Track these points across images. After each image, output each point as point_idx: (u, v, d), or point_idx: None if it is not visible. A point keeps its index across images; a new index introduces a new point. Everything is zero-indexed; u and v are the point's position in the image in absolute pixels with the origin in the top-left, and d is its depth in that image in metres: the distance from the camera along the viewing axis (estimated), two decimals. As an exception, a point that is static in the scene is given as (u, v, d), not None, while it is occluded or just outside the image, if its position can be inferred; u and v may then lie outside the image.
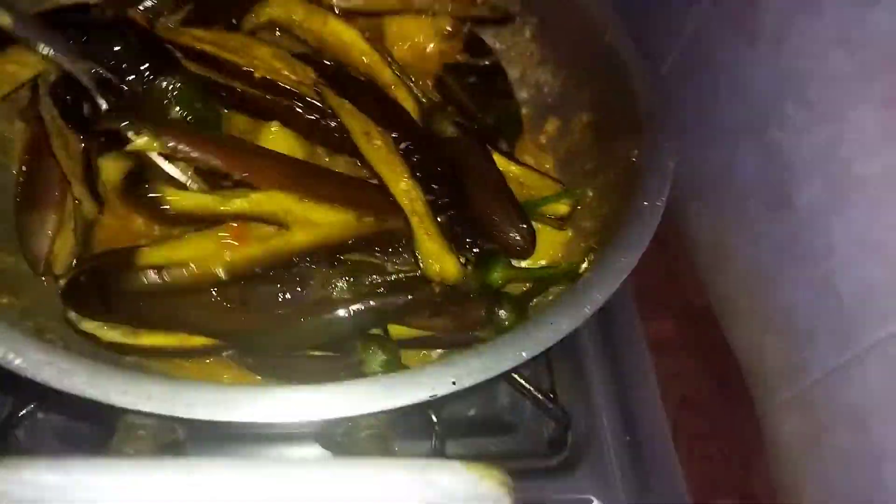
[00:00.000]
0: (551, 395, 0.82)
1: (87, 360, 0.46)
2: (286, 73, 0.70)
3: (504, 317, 0.62)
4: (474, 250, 0.64)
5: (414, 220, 0.62)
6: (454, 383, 0.50)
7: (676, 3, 1.33)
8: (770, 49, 1.11)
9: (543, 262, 0.74)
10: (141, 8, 0.76)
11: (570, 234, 0.77)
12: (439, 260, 0.61)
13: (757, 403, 1.11)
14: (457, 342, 0.67)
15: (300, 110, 0.69)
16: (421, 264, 0.61)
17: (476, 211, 0.69)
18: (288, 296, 0.59)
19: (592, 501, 0.78)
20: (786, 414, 1.06)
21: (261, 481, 0.31)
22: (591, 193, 0.78)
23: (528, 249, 0.69)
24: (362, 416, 0.48)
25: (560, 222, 0.76)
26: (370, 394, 0.48)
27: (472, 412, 0.85)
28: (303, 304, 0.59)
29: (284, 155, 0.65)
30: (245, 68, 0.68)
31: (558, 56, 0.89)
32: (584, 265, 0.59)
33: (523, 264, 0.70)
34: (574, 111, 0.86)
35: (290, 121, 0.69)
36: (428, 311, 0.63)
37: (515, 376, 0.79)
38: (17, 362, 0.45)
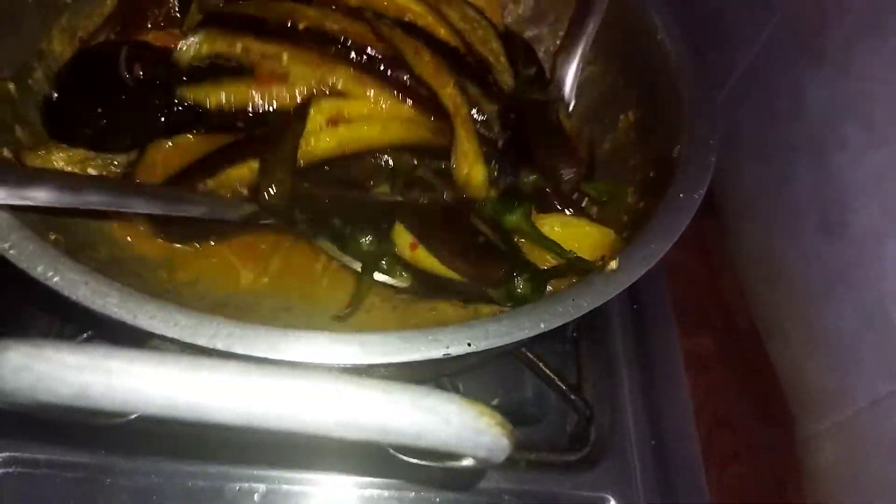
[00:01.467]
0: (577, 389, 0.81)
1: (121, 284, 0.49)
2: (329, 24, 0.71)
3: (519, 285, 0.62)
4: (509, 178, 0.65)
5: (457, 121, 0.63)
6: (469, 344, 0.50)
7: (742, 21, 1.33)
8: (835, 71, 1.09)
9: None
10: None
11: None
12: (470, 163, 0.62)
13: (797, 427, 1.08)
14: (469, 295, 0.66)
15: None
16: (453, 163, 0.62)
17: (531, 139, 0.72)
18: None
19: (609, 500, 0.77)
20: (827, 440, 1.02)
21: (274, 383, 0.33)
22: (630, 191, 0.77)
23: (574, 178, 0.70)
24: (375, 368, 0.49)
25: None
26: (385, 344, 0.49)
27: (495, 401, 0.85)
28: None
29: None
30: (288, 21, 0.70)
31: (609, 54, 0.89)
32: (613, 264, 0.58)
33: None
34: (620, 109, 0.86)
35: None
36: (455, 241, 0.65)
37: (541, 365, 0.79)
38: (55, 279, 0.48)
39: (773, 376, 1.18)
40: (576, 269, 0.63)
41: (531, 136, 0.73)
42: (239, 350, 0.47)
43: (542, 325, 0.53)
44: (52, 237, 0.65)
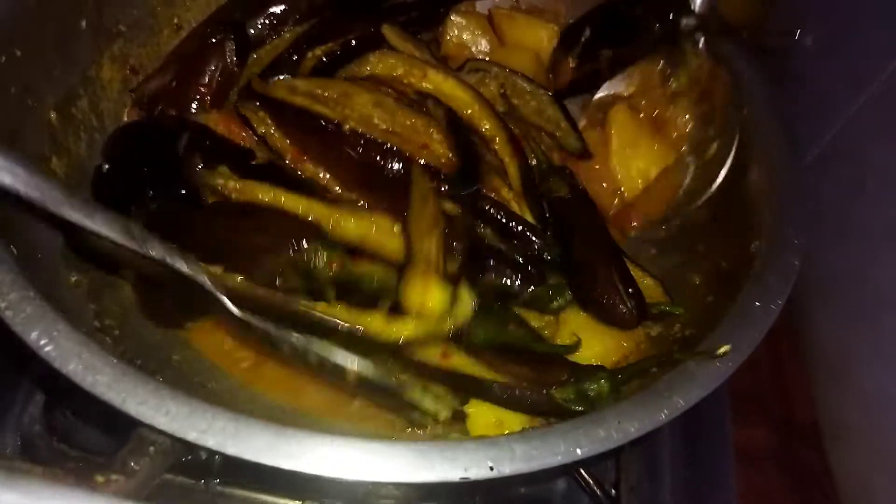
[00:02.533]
0: (613, 493, 0.73)
1: (116, 360, 0.45)
2: (377, 121, 0.69)
3: (594, 385, 0.55)
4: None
5: (417, 258, 0.58)
6: (491, 468, 0.44)
7: (834, 87, 1.24)
8: (932, 148, 0.99)
9: (613, 358, 0.66)
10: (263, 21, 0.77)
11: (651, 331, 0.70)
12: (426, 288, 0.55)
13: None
14: (532, 403, 0.60)
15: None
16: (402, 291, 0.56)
17: (578, 273, 0.67)
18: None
19: None
20: (887, 566, 0.92)
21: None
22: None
23: (632, 320, 0.63)
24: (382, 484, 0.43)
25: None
26: (394, 457, 0.43)
27: (523, 489, 0.77)
28: None
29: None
30: (336, 119, 0.68)
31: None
32: (725, 347, 0.51)
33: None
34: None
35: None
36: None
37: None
38: (47, 349, 0.44)
39: (830, 485, 1.07)
40: (671, 361, 0.55)
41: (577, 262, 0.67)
42: (231, 451, 0.42)
43: (579, 452, 0.46)
44: (73, 279, 0.63)
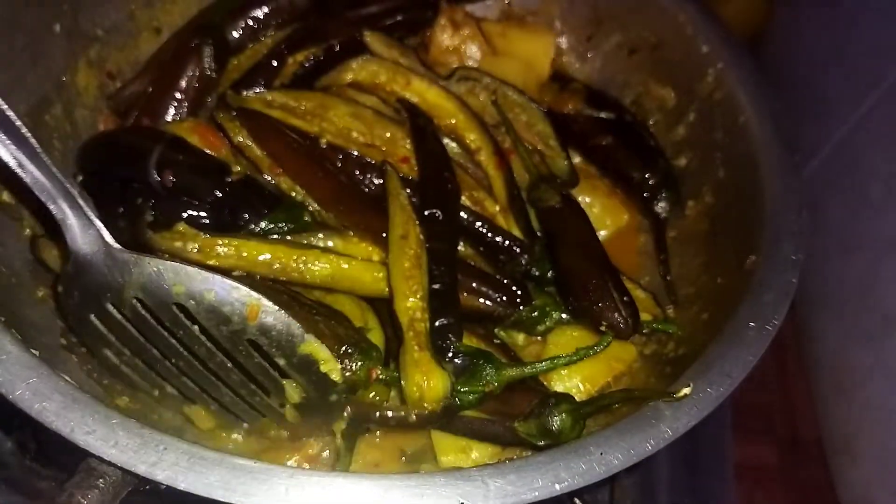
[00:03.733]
0: (605, 518, 0.70)
1: (68, 386, 0.42)
2: (355, 134, 0.67)
3: (555, 418, 0.51)
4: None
5: (408, 335, 0.55)
6: (462, 504, 0.41)
7: (834, 96, 1.21)
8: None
9: (603, 380, 0.63)
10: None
11: (645, 349, 0.67)
12: (425, 373, 0.53)
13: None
14: (497, 436, 0.57)
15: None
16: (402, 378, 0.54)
17: (570, 282, 0.64)
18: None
19: None
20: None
21: None
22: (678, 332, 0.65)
23: (626, 329, 0.60)
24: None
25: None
26: (356, 494, 0.40)
27: None
28: None
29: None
30: (313, 133, 0.66)
31: (691, 131, 0.78)
32: (686, 390, 0.48)
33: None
34: (695, 193, 0.75)
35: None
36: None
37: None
38: (-8, 373, 0.41)
39: (834, 501, 1.04)
40: (634, 399, 0.52)
41: (567, 272, 0.64)
42: (182, 486, 0.39)
43: (558, 487, 0.43)
44: (41, 294, 0.60)
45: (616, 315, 0.60)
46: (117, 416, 0.41)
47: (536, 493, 0.42)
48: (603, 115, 0.80)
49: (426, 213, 0.62)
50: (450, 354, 0.55)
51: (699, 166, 0.76)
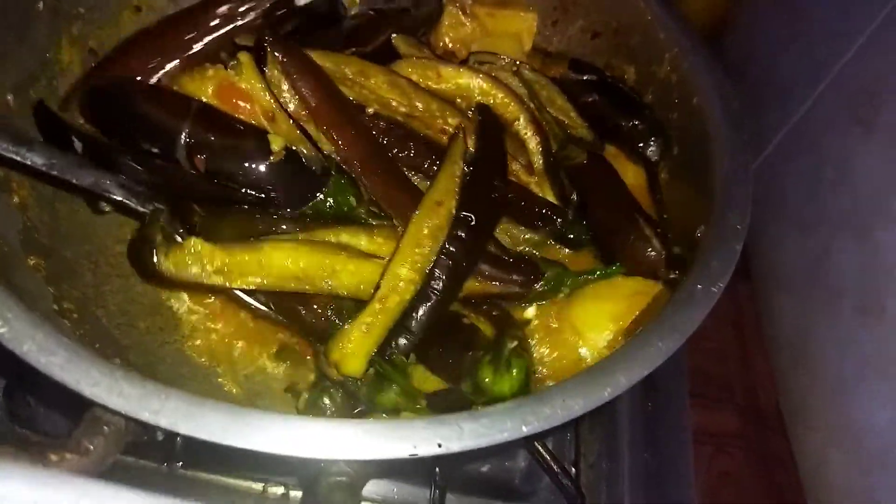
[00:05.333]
0: (572, 471, 0.75)
1: (71, 342, 0.45)
2: (395, 104, 0.68)
3: (484, 372, 0.56)
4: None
5: (373, 306, 0.57)
6: (440, 445, 0.45)
7: (790, 81, 1.26)
8: (888, 141, 1.01)
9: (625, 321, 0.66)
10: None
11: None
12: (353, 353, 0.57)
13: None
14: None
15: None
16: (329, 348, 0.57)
17: (603, 228, 0.70)
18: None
19: None
20: (843, 545, 0.95)
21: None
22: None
23: (659, 261, 0.65)
24: (333, 463, 0.44)
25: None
26: (342, 438, 0.44)
27: (484, 468, 0.79)
28: None
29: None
30: (356, 101, 0.67)
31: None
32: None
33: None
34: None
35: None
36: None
37: (534, 440, 0.73)
38: (1, 331, 0.44)
39: (793, 465, 1.10)
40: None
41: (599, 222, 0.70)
42: (183, 430, 0.43)
43: (525, 429, 0.47)
44: (32, 262, 0.63)
45: (650, 250, 0.66)
46: (121, 370, 0.44)
47: (506, 434, 0.47)
48: (585, 77, 0.85)
49: (461, 214, 0.63)
50: (385, 356, 0.59)
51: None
